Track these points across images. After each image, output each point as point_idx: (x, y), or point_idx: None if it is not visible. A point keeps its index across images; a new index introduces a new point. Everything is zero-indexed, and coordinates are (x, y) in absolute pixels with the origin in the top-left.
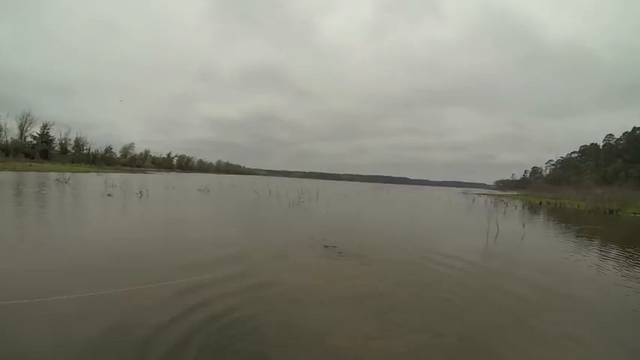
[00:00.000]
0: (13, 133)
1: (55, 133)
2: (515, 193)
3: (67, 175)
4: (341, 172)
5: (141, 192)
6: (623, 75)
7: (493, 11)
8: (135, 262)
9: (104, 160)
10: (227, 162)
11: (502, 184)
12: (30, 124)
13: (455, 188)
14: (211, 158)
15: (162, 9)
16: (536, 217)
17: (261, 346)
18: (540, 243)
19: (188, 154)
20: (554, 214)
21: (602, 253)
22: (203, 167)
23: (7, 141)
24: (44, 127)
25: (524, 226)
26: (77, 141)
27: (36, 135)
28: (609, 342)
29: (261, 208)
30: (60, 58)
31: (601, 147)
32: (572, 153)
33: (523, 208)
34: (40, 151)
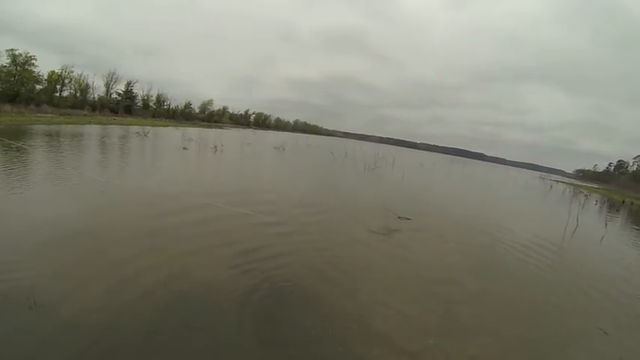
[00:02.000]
0: (99, 90)
1: (138, 90)
2: (595, 185)
3: (148, 128)
4: (417, 141)
5: (215, 147)
6: None
7: None
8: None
9: (183, 116)
10: (304, 122)
11: (582, 174)
12: (115, 82)
13: (532, 171)
14: (289, 117)
15: None
16: (617, 217)
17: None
18: (621, 249)
19: (266, 111)
20: (637, 217)
21: None
22: (280, 125)
23: (94, 98)
24: (128, 84)
25: (606, 225)
26: (158, 97)
27: (120, 92)
28: None
29: (337, 171)
30: (147, 23)
31: None
32: None
33: (604, 203)
34: (124, 107)
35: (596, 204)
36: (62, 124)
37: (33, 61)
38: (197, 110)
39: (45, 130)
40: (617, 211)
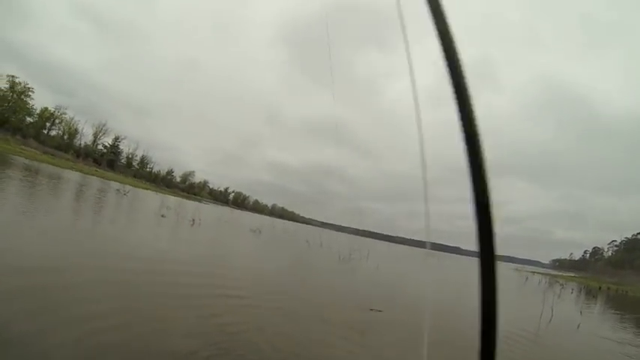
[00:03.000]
0: (87, 138)
1: (124, 147)
2: (572, 274)
3: (128, 187)
4: (393, 234)
5: (194, 220)
6: None
7: (550, 85)
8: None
9: (164, 182)
10: (282, 207)
11: (558, 264)
12: (104, 133)
13: (508, 263)
14: (267, 200)
15: (241, 55)
16: (593, 304)
17: None
18: (598, 336)
19: (245, 191)
20: (614, 303)
21: None
22: (258, 207)
23: (80, 144)
24: (116, 139)
25: (581, 313)
26: (143, 158)
27: (107, 145)
28: None
29: (311, 260)
30: (144, 82)
31: None
32: (638, 234)
33: (580, 292)
34: (108, 160)
35: (572, 292)
36: (44, 162)
37: (30, 93)
38: (178, 179)
39: (25, 165)
40: (594, 297)
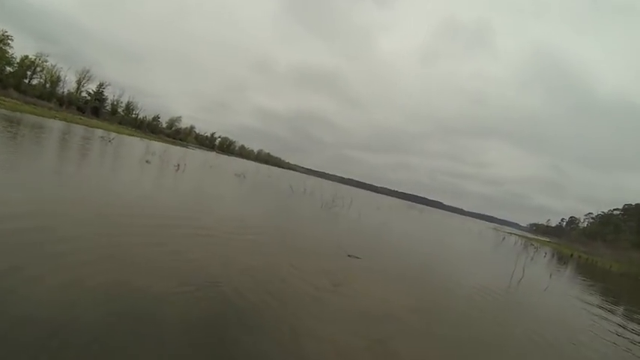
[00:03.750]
0: (70, 86)
1: (109, 94)
2: (547, 239)
3: (113, 134)
4: (377, 185)
5: (178, 165)
6: None
7: (545, 56)
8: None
9: (150, 128)
10: (268, 152)
11: (535, 228)
12: (88, 80)
13: (487, 222)
14: (253, 146)
15: (235, 2)
16: (563, 269)
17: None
18: (563, 299)
19: (231, 137)
20: (582, 270)
21: (623, 323)
22: (244, 153)
23: (63, 92)
24: (100, 85)
25: (550, 276)
26: (128, 105)
27: (91, 92)
28: None
29: (293, 205)
30: (133, 25)
31: None
32: (614, 210)
33: (552, 256)
34: (92, 108)
35: (545, 256)
36: (26, 112)
37: (9, 41)
38: (164, 125)
39: (6, 116)
40: (565, 263)
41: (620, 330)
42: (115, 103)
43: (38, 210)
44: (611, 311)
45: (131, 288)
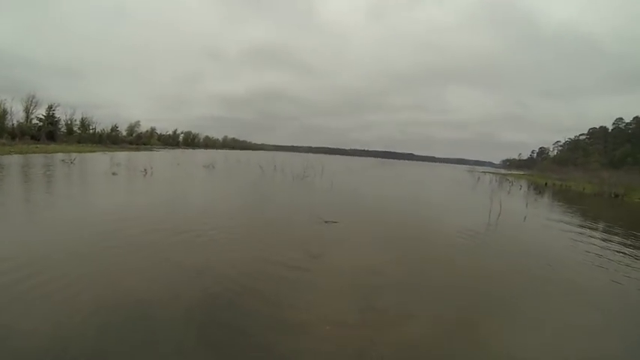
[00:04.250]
0: (19, 116)
1: (61, 114)
2: (521, 172)
3: (74, 155)
4: (347, 147)
5: (145, 170)
6: (625, 62)
7: None
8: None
9: (110, 139)
10: (233, 138)
11: (508, 163)
12: (35, 106)
13: (461, 166)
14: (218, 134)
15: None
16: (540, 198)
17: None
18: (542, 225)
19: (195, 130)
20: (558, 196)
21: (604, 239)
22: (209, 143)
23: (13, 125)
24: (49, 108)
25: (527, 206)
26: (83, 121)
27: (42, 117)
28: (606, 329)
29: (265, 184)
30: (68, 42)
31: (610, 130)
32: (580, 135)
33: (528, 188)
34: (46, 133)
35: (521, 189)
36: None
37: None
38: (124, 133)
39: None
40: (540, 193)
41: (599, 247)
42: (69, 122)
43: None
44: (591, 229)
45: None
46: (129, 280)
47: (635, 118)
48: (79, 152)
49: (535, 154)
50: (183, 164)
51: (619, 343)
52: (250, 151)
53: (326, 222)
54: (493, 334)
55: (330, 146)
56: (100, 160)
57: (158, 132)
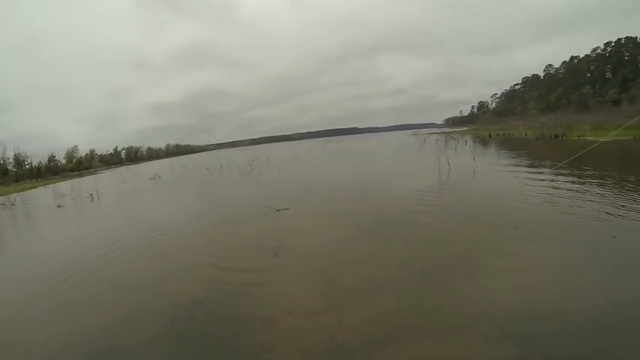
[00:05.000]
0: None
1: None
2: (465, 128)
3: (13, 196)
4: (290, 133)
5: (91, 195)
6: (544, 10)
7: None
8: None
9: (49, 171)
10: (176, 144)
11: (451, 122)
12: None
13: (406, 131)
14: (160, 143)
15: (86, 9)
16: (486, 149)
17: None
18: (492, 175)
19: (136, 144)
20: (503, 145)
21: (552, 179)
22: (153, 154)
23: None
24: None
25: (474, 159)
26: (17, 157)
27: None
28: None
29: (213, 184)
30: None
31: (542, 77)
32: (515, 85)
33: (473, 142)
34: None
35: (466, 144)
36: None
37: None
38: (64, 161)
39: None
40: (486, 144)
41: (549, 186)
42: (2, 162)
43: None
44: (538, 171)
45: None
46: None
47: (564, 62)
48: (19, 191)
49: (475, 109)
50: (130, 181)
51: (581, 275)
52: (195, 154)
53: (277, 210)
54: (459, 288)
55: (272, 135)
56: (42, 194)
57: (98, 153)
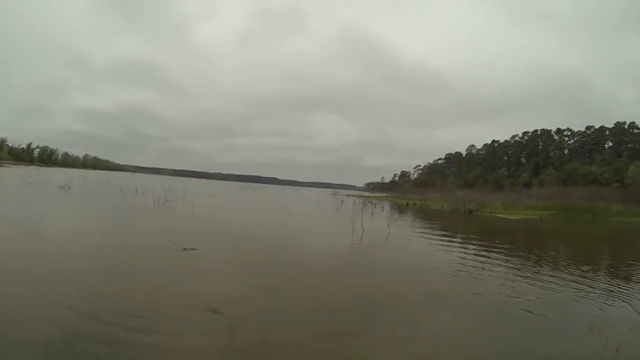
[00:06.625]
0: None
1: None
2: (384, 194)
3: None
4: (211, 171)
5: None
6: (467, 97)
7: (355, 35)
8: None
9: None
10: (95, 157)
11: (372, 186)
12: None
13: (325, 189)
14: (79, 152)
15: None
16: (402, 217)
17: None
18: (405, 242)
19: (53, 145)
20: (419, 214)
21: (462, 249)
22: (68, 161)
23: None
24: None
25: (388, 225)
26: None
27: None
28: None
29: (123, 208)
30: None
31: (464, 155)
32: (438, 159)
33: (391, 208)
34: None
35: (383, 210)
36: None
37: None
38: None
39: None
40: (402, 212)
41: (457, 256)
42: None
43: None
44: (449, 241)
45: None
46: None
47: (485, 144)
48: None
49: (397, 178)
50: (36, 184)
51: (483, 347)
52: (112, 172)
53: (184, 249)
54: (354, 352)
55: (194, 169)
56: None
57: (9, 144)
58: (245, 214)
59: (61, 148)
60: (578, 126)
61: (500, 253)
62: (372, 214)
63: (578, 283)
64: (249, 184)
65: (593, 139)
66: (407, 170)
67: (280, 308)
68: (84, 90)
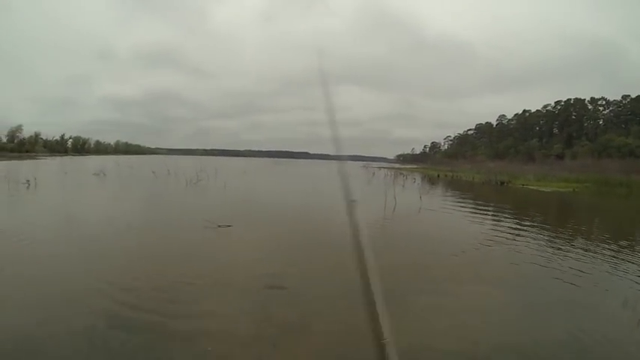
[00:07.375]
0: None
1: None
2: (415, 166)
3: None
4: (241, 149)
5: (28, 181)
6: (500, 68)
7: (376, 6)
8: None
9: None
10: (126, 142)
11: (402, 158)
12: None
13: (356, 162)
14: (110, 139)
15: None
16: (433, 189)
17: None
18: (437, 214)
19: (85, 135)
20: (450, 186)
21: (496, 221)
22: (101, 149)
23: None
24: None
25: (420, 197)
26: None
27: None
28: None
29: (157, 190)
30: None
31: (494, 126)
32: (468, 130)
33: (422, 180)
34: None
35: (415, 182)
36: None
37: None
38: (4, 139)
39: None
40: (434, 184)
41: (490, 228)
42: None
43: None
44: (482, 213)
45: None
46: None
47: (516, 114)
48: None
49: (427, 149)
50: (72, 172)
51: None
52: (144, 156)
53: (219, 226)
54: (392, 326)
55: (224, 148)
56: None
57: (44, 138)
58: (277, 190)
59: (93, 137)
60: (614, 95)
61: (534, 225)
62: (403, 186)
63: (614, 257)
64: (280, 159)
65: (629, 109)
66: (437, 141)
67: (317, 284)
68: (111, 79)
